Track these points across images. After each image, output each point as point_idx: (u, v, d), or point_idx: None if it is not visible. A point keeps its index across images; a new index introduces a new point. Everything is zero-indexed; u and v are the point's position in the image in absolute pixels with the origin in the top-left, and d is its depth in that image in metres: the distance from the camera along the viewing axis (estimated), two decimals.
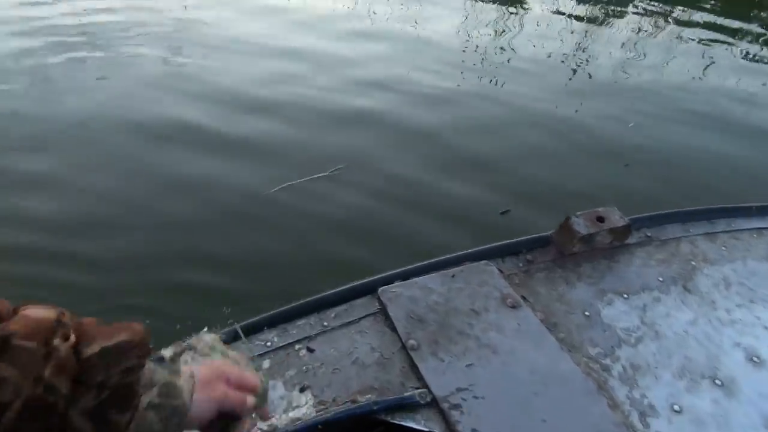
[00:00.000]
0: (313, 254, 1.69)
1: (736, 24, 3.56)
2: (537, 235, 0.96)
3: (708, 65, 3.06)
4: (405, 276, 0.85)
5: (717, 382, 0.73)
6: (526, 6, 3.81)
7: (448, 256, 0.90)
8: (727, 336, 0.81)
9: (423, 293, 0.82)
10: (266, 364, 0.72)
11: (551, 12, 3.67)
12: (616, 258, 0.95)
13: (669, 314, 0.84)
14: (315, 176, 1.98)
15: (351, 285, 0.84)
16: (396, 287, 0.82)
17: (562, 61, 3.01)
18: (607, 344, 0.77)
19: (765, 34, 3.54)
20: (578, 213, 0.92)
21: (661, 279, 0.91)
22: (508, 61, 3.02)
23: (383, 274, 0.86)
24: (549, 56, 3.06)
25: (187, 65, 2.80)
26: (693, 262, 0.96)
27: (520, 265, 0.91)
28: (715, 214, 1.10)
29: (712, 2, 3.93)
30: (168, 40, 3.03)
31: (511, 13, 3.69)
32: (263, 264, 1.65)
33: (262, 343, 0.74)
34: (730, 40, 3.38)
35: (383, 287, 0.82)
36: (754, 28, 3.65)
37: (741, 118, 2.54)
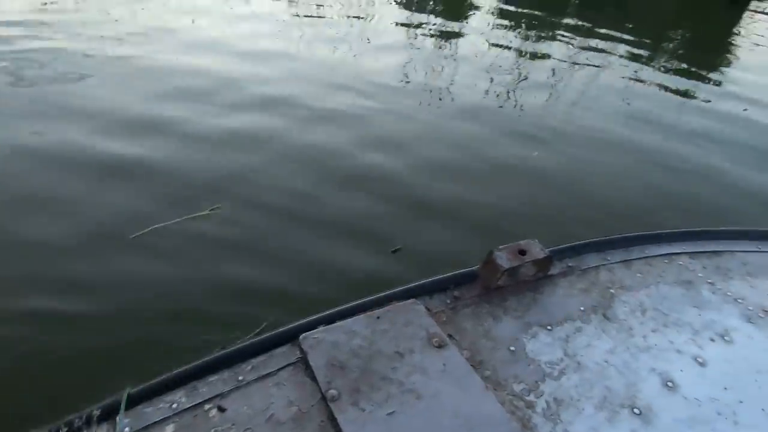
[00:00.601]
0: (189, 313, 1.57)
1: (648, 52, 3.97)
2: (464, 270, 0.98)
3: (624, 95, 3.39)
4: (329, 320, 0.83)
5: (635, 411, 0.75)
6: (461, 36, 4.06)
7: (374, 296, 0.89)
8: (643, 362, 0.84)
9: (347, 337, 0.79)
10: (170, 429, 0.65)
11: (488, 44, 3.92)
12: (540, 289, 0.98)
13: (590, 344, 0.86)
14: (188, 216, 1.85)
15: (270, 333, 0.80)
16: (318, 333, 0.79)
17: (487, 91, 3.20)
18: (531, 379, 0.78)
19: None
20: (501, 247, 0.95)
21: (582, 308, 0.94)
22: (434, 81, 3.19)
23: (306, 319, 0.82)
24: (477, 87, 3.25)
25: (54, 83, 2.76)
26: (611, 290, 1.01)
27: (448, 301, 0.92)
28: (630, 242, 1.17)
29: (628, 34, 4.39)
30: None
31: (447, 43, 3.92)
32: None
33: (167, 405, 0.68)
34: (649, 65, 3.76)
35: (305, 334, 0.79)
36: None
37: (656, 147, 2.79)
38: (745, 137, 2.83)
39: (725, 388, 0.81)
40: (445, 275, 0.95)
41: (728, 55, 4.30)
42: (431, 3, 4.71)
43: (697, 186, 2.35)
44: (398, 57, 3.47)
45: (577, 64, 3.67)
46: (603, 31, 4.39)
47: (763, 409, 0.78)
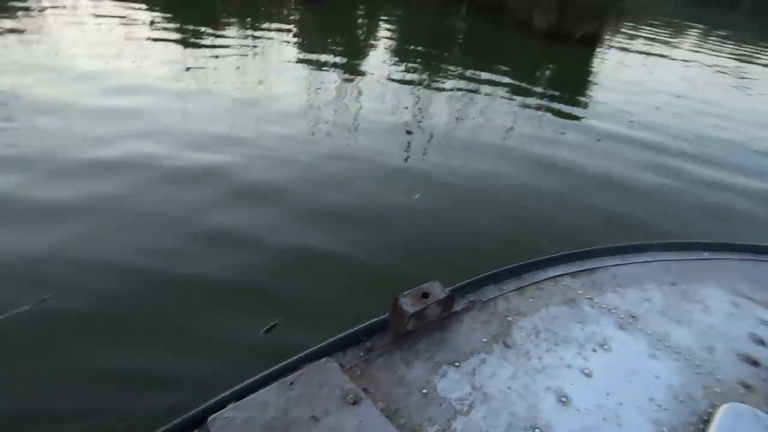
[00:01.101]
0: None
1: (524, 84, 4.53)
2: (375, 319, 1.01)
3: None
4: (240, 395, 0.81)
5: (537, 431, 0.82)
6: (363, 73, 4.28)
7: (286, 361, 0.88)
8: (540, 383, 0.93)
9: (259, 411, 0.77)
10: None
11: (385, 79, 4.18)
12: (447, 328, 1.04)
13: (494, 373, 0.93)
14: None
15: (177, 420, 0.75)
16: (228, 412, 0.77)
17: (382, 129, 3.39)
18: (443, 419, 0.82)
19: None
20: (405, 293, 1.01)
21: (485, 340, 1.02)
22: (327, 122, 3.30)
23: (215, 399, 0.79)
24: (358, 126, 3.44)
25: None
26: (509, 318, 1.11)
27: (361, 354, 0.94)
28: (522, 270, 1.30)
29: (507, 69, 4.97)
30: None
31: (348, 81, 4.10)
32: None
33: None
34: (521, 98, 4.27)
35: (213, 415, 0.76)
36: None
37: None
38: (599, 165, 3.28)
39: (608, 394, 0.93)
40: (357, 327, 0.98)
41: (586, 90, 5.05)
42: (329, 43, 4.91)
43: (573, 211, 2.65)
44: (297, 101, 3.55)
45: (465, 101, 4.06)
46: (485, 74, 4.94)
47: (638, 407, 0.91)
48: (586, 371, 0.98)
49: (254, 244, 2.02)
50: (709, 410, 0.92)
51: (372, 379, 0.88)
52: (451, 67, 4.86)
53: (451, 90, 4.24)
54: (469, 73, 4.75)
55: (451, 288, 1.12)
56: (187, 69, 3.81)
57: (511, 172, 2.95)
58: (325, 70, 4.21)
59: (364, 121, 3.32)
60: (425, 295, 1.02)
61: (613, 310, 1.20)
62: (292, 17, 5.80)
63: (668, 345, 1.09)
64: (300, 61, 4.38)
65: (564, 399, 0.91)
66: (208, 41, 4.53)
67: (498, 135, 3.45)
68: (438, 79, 4.41)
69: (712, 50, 8.67)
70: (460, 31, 6.53)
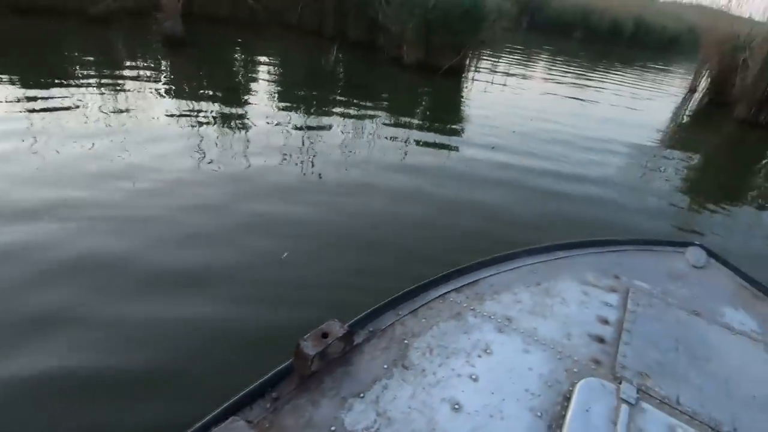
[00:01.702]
0: None
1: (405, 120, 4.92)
2: (280, 366, 1.05)
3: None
4: None
5: None
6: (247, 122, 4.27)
7: (192, 428, 0.88)
8: (436, 396, 1.05)
9: None
10: None
11: (271, 124, 4.21)
12: (350, 361, 1.12)
13: (395, 396, 1.03)
14: None
15: None
16: None
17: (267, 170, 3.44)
18: None
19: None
20: (305, 336, 1.07)
21: (385, 366, 1.12)
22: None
23: None
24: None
25: None
26: (406, 341, 1.22)
27: (268, 405, 0.97)
28: (415, 293, 1.43)
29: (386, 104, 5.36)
30: None
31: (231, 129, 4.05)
32: None
33: None
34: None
35: None
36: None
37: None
38: (470, 187, 3.64)
39: (492, 393, 1.08)
40: (262, 379, 1.01)
41: (454, 117, 5.66)
42: (199, 85, 4.80)
43: (452, 232, 2.90)
44: (163, 149, 3.38)
45: (349, 136, 4.28)
46: (368, 104, 5.27)
47: (517, 399, 1.07)
48: (473, 376, 1.13)
49: (108, 325, 1.84)
50: (570, 389, 1.12)
51: (281, 429, 0.92)
52: (333, 103, 5.09)
53: (334, 126, 4.43)
54: (351, 107, 5.01)
55: (350, 322, 1.21)
56: (28, 127, 3.41)
57: (395, 202, 3.17)
58: (197, 114, 4.07)
59: (238, 165, 3.24)
60: (325, 335, 1.09)
61: (492, 317, 1.38)
62: (153, 60, 5.55)
63: (537, 339, 1.30)
64: (166, 106, 4.19)
65: (457, 406, 1.04)
66: (53, 93, 4.12)
67: (378, 167, 3.66)
68: (320, 114, 4.59)
69: (558, 73, 10.31)
70: (338, 68, 6.86)
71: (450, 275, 1.52)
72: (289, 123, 4.21)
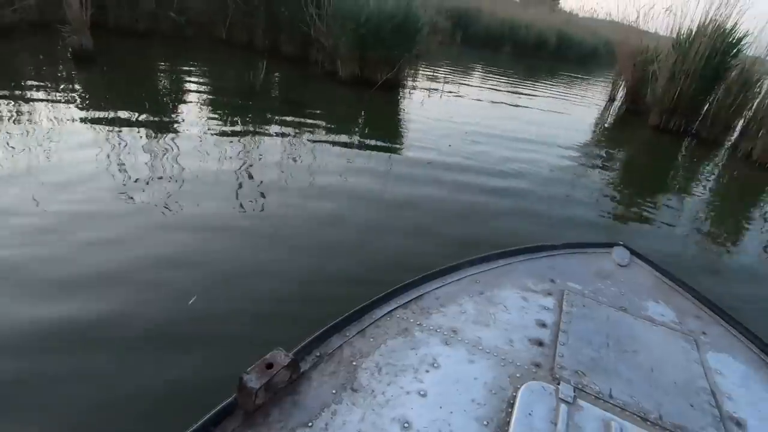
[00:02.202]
0: None
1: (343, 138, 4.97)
2: (222, 404, 1.02)
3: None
4: None
5: None
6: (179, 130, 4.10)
7: None
8: (386, 416, 1.08)
9: None
10: None
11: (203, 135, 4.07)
12: (298, 390, 1.12)
13: (345, 422, 1.05)
14: None
15: None
16: None
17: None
18: None
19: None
20: (248, 369, 1.05)
21: (334, 391, 1.13)
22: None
23: None
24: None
25: None
26: (354, 362, 1.24)
27: None
28: (362, 312, 1.45)
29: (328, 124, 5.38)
30: None
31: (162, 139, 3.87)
32: None
33: None
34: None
35: None
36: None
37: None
38: (409, 193, 3.82)
39: (440, 407, 1.13)
40: (202, 420, 0.98)
41: (392, 129, 5.82)
42: (119, 109, 4.55)
43: (395, 240, 3.02)
44: (85, 172, 3.19)
45: (288, 151, 4.26)
46: (303, 120, 5.27)
47: (464, 411, 1.13)
48: (422, 392, 1.17)
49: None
50: (514, 394, 1.20)
51: None
52: (264, 120, 5.04)
53: (264, 145, 4.39)
54: (284, 125, 4.99)
55: (295, 350, 1.21)
56: None
57: (342, 214, 3.20)
58: (107, 136, 3.81)
59: (153, 191, 3.08)
60: (270, 366, 1.09)
61: (438, 330, 1.43)
62: (58, 78, 5.18)
63: (481, 348, 1.38)
64: (72, 127, 3.91)
65: (407, 424, 1.07)
66: None
67: (311, 187, 3.67)
68: (249, 134, 4.51)
69: (491, 84, 10.92)
70: (271, 83, 6.81)
71: (396, 291, 1.56)
72: (213, 143, 4.09)
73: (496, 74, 13.19)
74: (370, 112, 6.28)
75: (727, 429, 1.22)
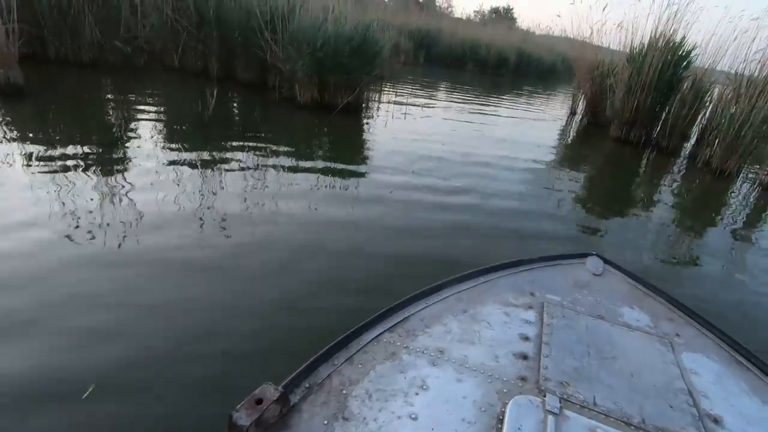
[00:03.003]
0: None
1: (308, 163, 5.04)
2: None
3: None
4: None
5: None
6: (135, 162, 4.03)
7: None
8: None
9: None
10: None
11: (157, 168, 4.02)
12: (289, 423, 1.16)
13: None
14: None
15: None
16: None
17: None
18: None
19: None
20: (237, 406, 1.08)
21: (325, 422, 1.17)
22: None
23: None
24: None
25: None
26: (344, 391, 1.29)
27: None
28: (349, 339, 1.49)
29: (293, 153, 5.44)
30: None
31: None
32: None
33: None
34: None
35: None
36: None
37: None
38: (388, 215, 3.96)
39: (432, 429, 1.19)
40: None
41: (355, 152, 5.94)
42: (53, 146, 4.43)
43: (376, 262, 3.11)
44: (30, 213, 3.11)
45: (252, 179, 4.28)
46: (262, 148, 5.32)
47: (456, 430, 1.19)
48: (413, 416, 1.23)
49: None
50: (502, 410, 1.27)
51: None
52: (220, 149, 5.03)
53: (232, 170, 4.40)
54: (242, 153, 5.01)
55: (284, 382, 1.25)
56: None
57: (312, 239, 3.24)
58: (41, 177, 3.68)
59: (93, 238, 2.99)
60: (259, 401, 1.12)
61: (425, 351, 1.48)
62: None
63: (468, 366, 1.45)
64: (18, 169, 3.78)
65: None
66: None
67: (286, 208, 3.72)
68: (205, 166, 4.47)
69: (456, 101, 11.34)
70: (229, 111, 6.84)
71: (381, 315, 1.62)
72: (166, 176, 4.03)
73: (460, 92, 13.70)
74: (332, 136, 6.40)
75: (705, 426, 1.31)
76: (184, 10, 7.91)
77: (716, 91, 8.28)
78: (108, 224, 3.10)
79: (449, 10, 34.75)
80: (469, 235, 3.75)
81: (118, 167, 4.10)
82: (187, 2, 7.85)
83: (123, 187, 3.72)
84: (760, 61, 7.30)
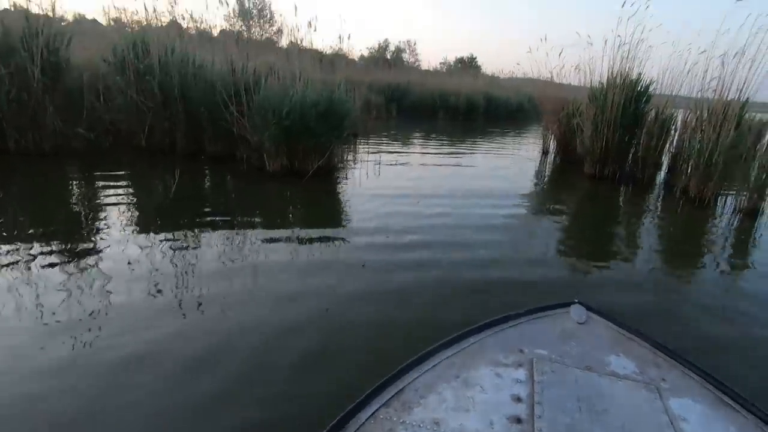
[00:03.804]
0: None
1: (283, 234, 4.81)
2: None
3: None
4: None
5: None
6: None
7: None
8: None
9: None
10: None
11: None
12: None
13: None
14: None
15: None
16: None
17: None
18: None
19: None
20: None
21: None
22: None
23: None
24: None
25: None
26: None
27: None
28: (344, 420, 1.40)
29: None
30: None
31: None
32: None
33: None
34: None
35: None
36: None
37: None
38: (370, 282, 3.70)
39: None
40: None
41: (331, 216, 5.74)
42: (12, 241, 4.18)
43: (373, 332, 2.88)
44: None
45: (229, 257, 4.02)
46: (234, 222, 5.10)
47: None
48: None
49: None
50: None
51: None
52: (191, 226, 4.79)
53: (204, 249, 4.18)
54: (213, 230, 4.77)
55: None
56: None
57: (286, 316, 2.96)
58: (13, 270, 3.47)
59: (60, 340, 2.71)
60: None
61: (421, 425, 1.43)
62: None
63: None
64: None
65: None
66: None
67: (265, 284, 3.52)
68: (178, 248, 4.23)
69: (432, 149, 11.43)
70: (199, 185, 6.69)
71: (376, 390, 1.56)
72: (134, 262, 3.77)
73: (433, 140, 13.87)
74: (304, 203, 6.21)
75: None
76: (149, 91, 7.89)
77: (679, 117, 8.41)
78: (80, 320, 2.86)
79: (416, 63, 36.16)
80: (452, 293, 3.58)
81: (84, 258, 3.81)
82: (151, 83, 7.85)
83: (90, 279, 3.43)
84: (716, 89, 7.46)
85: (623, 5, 8.23)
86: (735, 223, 6.53)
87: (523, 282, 3.90)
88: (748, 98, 7.21)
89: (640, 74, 8.31)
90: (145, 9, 8.76)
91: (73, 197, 5.80)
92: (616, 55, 8.35)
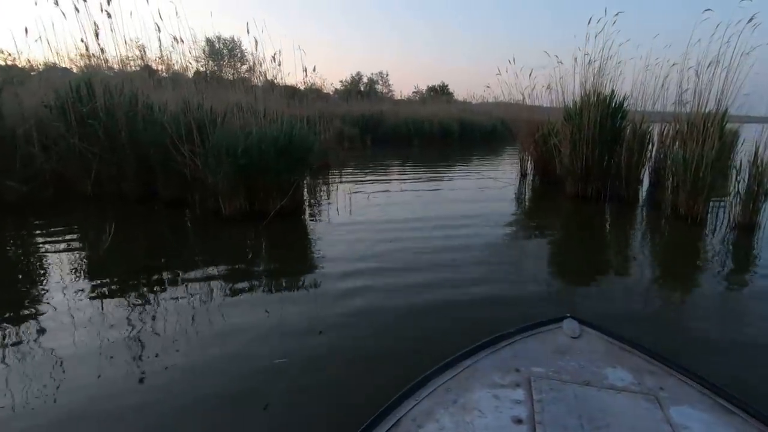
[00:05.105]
0: None
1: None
2: None
3: None
4: None
5: None
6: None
7: None
8: None
9: None
10: None
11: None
12: None
13: None
14: None
15: None
16: None
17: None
18: None
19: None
20: None
21: None
22: None
23: None
24: None
25: None
26: None
27: None
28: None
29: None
30: None
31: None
32: None
33: None
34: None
35: None
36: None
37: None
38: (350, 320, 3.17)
39: None
40: None
41: (300, 258, 5.09)
42: None
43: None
44: None
45: (189, 309, 3.35)
46: (189, 275, 4.39)
47: None
48: None
49: None
50: None
51: None
52: (136, 284, 4.06)
53: (159, 306, 3.59)
54: (164, 286, 4.03)
55: None
56: None
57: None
58: None
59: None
60: None
61: None
62: None
63: None
64: None
65: None
66: None
67: (233, 337, 3.07)
68: (125, 306, 3.55)
69: (409, 176, 10.95)
70: (149, 233, 6.02)
71: (374, 422, 1.47)
72: (83, 325, 3.18)
73: (409, 168, 13.44)
74: (268, 246, 5.49)
75: None
76: (93, 136, 7.18)
77: (654, 131, 8.08)
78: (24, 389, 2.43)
79: (389, 94, 36.29)
80: (441, 316, 3.38)
81: (23, 325, 3.21)
82: (95, 127, 7.14)
83: (33, 348, 2.90)
84: (693, 101, 7.10)
85: (589, 22, 7.96)
86: (730, 237, 6.04)
87: (508, 299, 3.75)
88: (727, 108, 6.85)
89: (613, 90, 7.96)
90: (117, 53, 8.14)
91: (6, 258, 4.98)
92: (588, 73, 8.02)
